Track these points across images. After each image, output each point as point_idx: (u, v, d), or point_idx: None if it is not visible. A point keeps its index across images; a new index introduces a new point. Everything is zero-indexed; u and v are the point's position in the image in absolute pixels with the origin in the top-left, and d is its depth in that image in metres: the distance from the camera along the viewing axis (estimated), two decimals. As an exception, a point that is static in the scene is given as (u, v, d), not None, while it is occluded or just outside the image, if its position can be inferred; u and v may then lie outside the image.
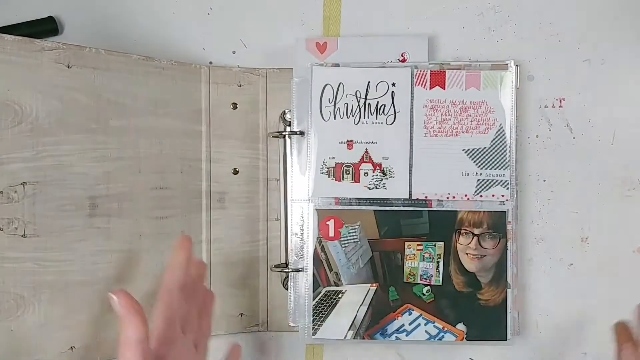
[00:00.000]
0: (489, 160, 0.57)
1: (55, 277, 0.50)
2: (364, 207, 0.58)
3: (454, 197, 0.57)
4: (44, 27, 0.61)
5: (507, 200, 0.58)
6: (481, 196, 0.57)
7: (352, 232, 0.57)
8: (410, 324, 0.57)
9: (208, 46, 0.63)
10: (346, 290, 0.58)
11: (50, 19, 0.61)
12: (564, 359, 0.60)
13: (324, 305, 0.57)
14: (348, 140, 0.58)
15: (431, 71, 0.58)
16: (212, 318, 0.52)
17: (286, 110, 0.60)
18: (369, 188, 0.57)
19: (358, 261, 0.58)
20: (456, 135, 0.58)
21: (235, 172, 0.60)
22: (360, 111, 0.58)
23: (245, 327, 0.60)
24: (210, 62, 0.63)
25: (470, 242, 0.57)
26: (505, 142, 0.58)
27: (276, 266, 0.60)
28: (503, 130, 0.58)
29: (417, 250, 0.57)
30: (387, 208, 0.57)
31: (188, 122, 0.58)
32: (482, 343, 0.58)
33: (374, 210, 0.57)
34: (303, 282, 0.58)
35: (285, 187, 0.60)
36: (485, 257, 0.57)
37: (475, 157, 0.57)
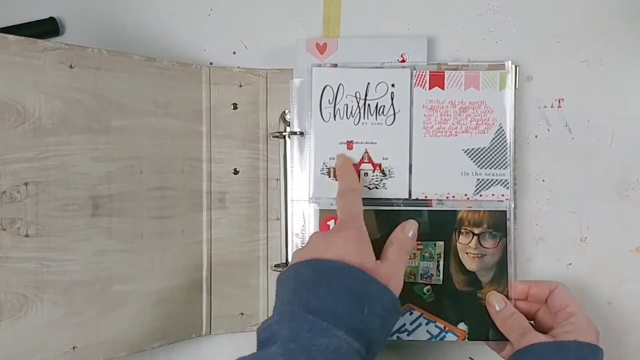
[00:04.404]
0: (488, 159, 0.57)
1: (57, 277, 0.50)
2: (364, 207, 0.58)
3: (453, 197, 0.57)
4: (45, 28, 0.61)
5: (507, 199, 0.57)
6: (481, 195, 0.57)
7: (353, 232, 0.57)
8: (411, 324, 0.57)
9: (208, 47, 0.63)
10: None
11: (52, 20, 0.62)
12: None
13: (324, 305, 0.57)
14: (348, 141, 0.58)
15: (430, 72, 0.58)
16: None
17: (286, 111, 0.61)
18: (369, 188, 0.57)
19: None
20: (455, 135, 0.58)
21: (236, 172, 0.60)
22: (360, 112, 0.58)
23: (245, 327, 0.60)
24: (211, 63, 0.63)
25: (470, 242, 0.57)
26: (505, 141, 0.58)
27: (276, 266, 0.60)
28: (503, 130, 0.58)
29: (417, 249, 0.57)
30: (387, 208, 0.58)
31: (189, 122, 0.59)
32: (484, 343, 0.58)
33: (374, 210, 0.57)
34: (303, 281, 0.58)
35: (286, 187, 0.60)
36: (485, 256, 0.57)
37: (474, 156, 0.58)
